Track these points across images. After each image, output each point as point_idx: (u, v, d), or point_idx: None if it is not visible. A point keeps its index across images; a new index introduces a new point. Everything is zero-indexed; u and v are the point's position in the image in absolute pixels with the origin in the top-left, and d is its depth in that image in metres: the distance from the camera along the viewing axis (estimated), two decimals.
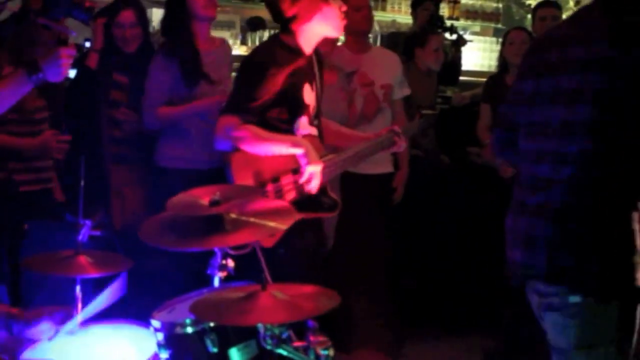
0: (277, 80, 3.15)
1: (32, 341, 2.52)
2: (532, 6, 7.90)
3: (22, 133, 3.79)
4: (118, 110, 4.15)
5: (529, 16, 8.42)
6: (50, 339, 2.52)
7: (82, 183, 2.91)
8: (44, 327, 2.52)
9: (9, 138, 3.75)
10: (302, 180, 3.16)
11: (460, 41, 6.62)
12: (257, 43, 6.66)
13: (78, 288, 2.81)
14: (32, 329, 2.51)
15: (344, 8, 3.24)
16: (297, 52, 3.26)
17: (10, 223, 3.68)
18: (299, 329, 2.25)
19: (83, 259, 2.80)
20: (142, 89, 4.08)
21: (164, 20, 4.12)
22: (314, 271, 3.45)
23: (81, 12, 2.87)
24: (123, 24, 4.08)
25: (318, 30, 3.24)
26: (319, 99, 3.42)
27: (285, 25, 3.25)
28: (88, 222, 2.87)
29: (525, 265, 2.52)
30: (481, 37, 8.59)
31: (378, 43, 6.97)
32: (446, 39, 6.31)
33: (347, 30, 4.44)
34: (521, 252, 2.52)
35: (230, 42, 6.65)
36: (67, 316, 2.54)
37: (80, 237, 2.85)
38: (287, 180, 3.22)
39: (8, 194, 3.74)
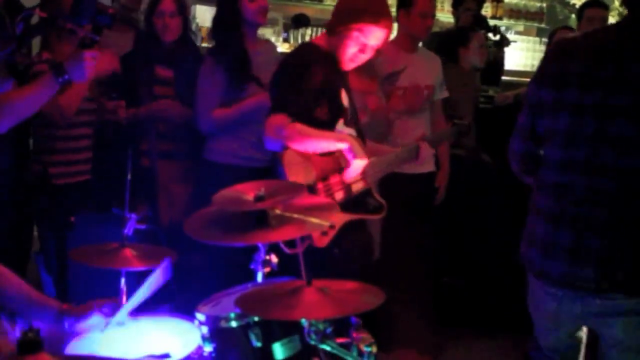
0: (318, 79, 3.22)
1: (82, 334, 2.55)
2: (577, 6, 7.84)
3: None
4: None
5: (573, 16, 8.33)
6: (101, 331, 2.56)
7: (129, 177, 2.95)
8: (94, 321, 2.56)
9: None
10: (347, 173, 3.21)
11: (504, 41, 6.57)
12: (300, 40, 6.69)
13: (123, 280, 2.85)
14: (82, 323, 2.54)
15: (364, 48, 3.29)
16: (331, 56, 3.33)
17: (56, 216, 3.73)
18: (342, 326, 2.26)
19: (128, 252, 2.84)
20: (187, 81, 4.11)
21: (214, 23, 4.14)
22: (365, 271, 3.47)
23: (105, 17, 2.96)
24: (163, 12, 4.08)
25: (340, 54, 3.32)
26: (352, 103, 3.47)
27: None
28: (134, 216, 2.91)
29: (567, 274, 2.53)
30: (524, 37, 8.51)
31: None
32: (489, 39, 6.26)
33: (405, 31, 4.44)
34: (562, 262, 2.53)
35: (273, 39, 6.70)
36: (116, 307, 2.57)
37: (126, 230, 2.89)
38: (335, 180, 3.25)
39: (44, 187, 3.79)
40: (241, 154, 4.00)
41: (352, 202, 3.27)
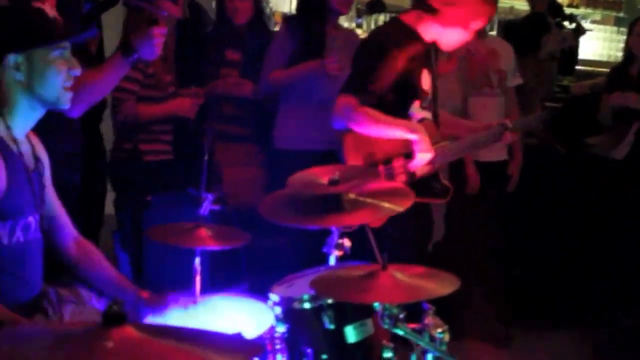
0: (398, 63, 3.16)
1: None
2: None
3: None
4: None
5: None
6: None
7: (206, 157, 2.98)
8: (171, 315, 2.58)
9: (162, 105, 3.85)
10: (412, 165, 3.17)
11: (580, 30, 6.45)
12: (374, 26, 6.64)
13: (197, 260, 2.88)
14: (158, 316, 2.57)
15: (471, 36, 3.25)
16: (417, 36, 3.25)
17: (135, 194, 3.78)
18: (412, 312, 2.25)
19: (204, 232, 2.85)
20: (253, 63, 4.14)
21: (299, 3, 4.17)
22: (419, 255, 3.45)
23: None
24: None
25: (441, 35, 3.26)
26: (434, 85, 3.41)
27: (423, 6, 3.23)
28: (210, 196, 2.93)
29: None
30: (601, 26, 8.32)
31: (494, 29, 6.83)
32: (565, 28, 6.16)
33: None
34: None
35: (346, 24, 6.66)
36: (191, 300, 2.59)
37: (201, 211, 2.92)
38: (398, 164, 3.23)
39: (134, 164, 3.84)
40: (304, 137, 4.00)
41: (417, 185, 3.24)
